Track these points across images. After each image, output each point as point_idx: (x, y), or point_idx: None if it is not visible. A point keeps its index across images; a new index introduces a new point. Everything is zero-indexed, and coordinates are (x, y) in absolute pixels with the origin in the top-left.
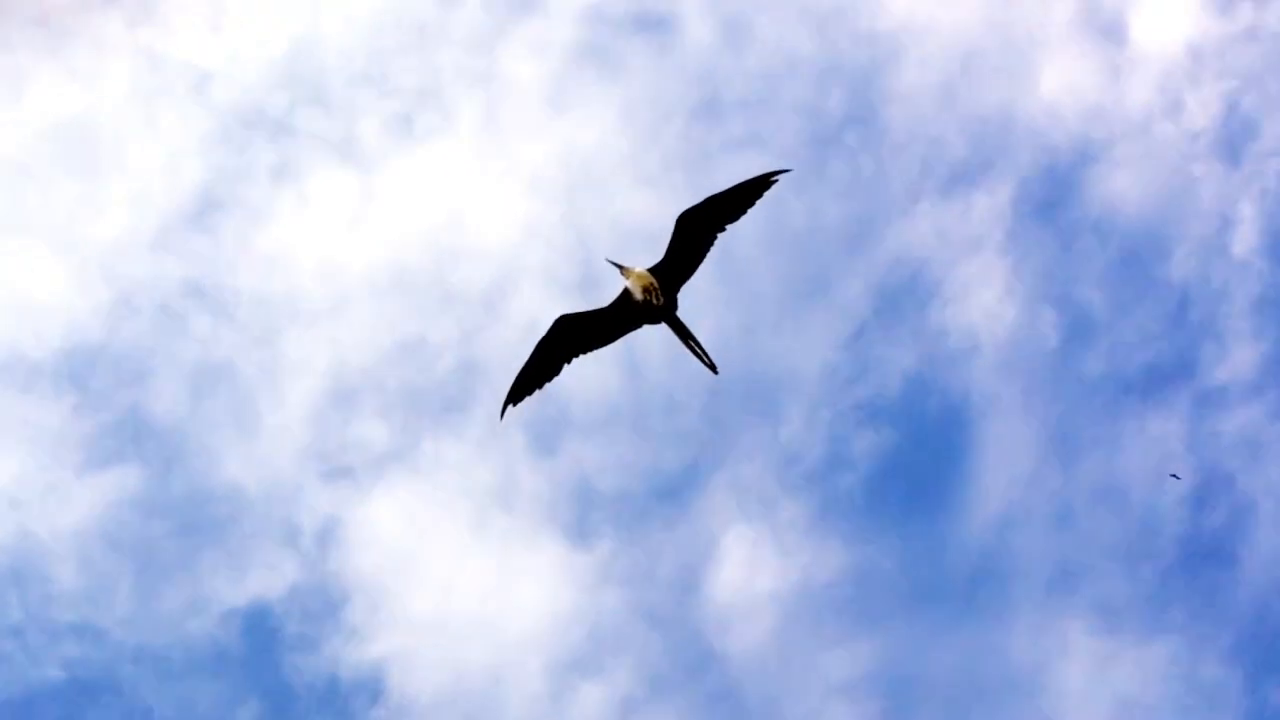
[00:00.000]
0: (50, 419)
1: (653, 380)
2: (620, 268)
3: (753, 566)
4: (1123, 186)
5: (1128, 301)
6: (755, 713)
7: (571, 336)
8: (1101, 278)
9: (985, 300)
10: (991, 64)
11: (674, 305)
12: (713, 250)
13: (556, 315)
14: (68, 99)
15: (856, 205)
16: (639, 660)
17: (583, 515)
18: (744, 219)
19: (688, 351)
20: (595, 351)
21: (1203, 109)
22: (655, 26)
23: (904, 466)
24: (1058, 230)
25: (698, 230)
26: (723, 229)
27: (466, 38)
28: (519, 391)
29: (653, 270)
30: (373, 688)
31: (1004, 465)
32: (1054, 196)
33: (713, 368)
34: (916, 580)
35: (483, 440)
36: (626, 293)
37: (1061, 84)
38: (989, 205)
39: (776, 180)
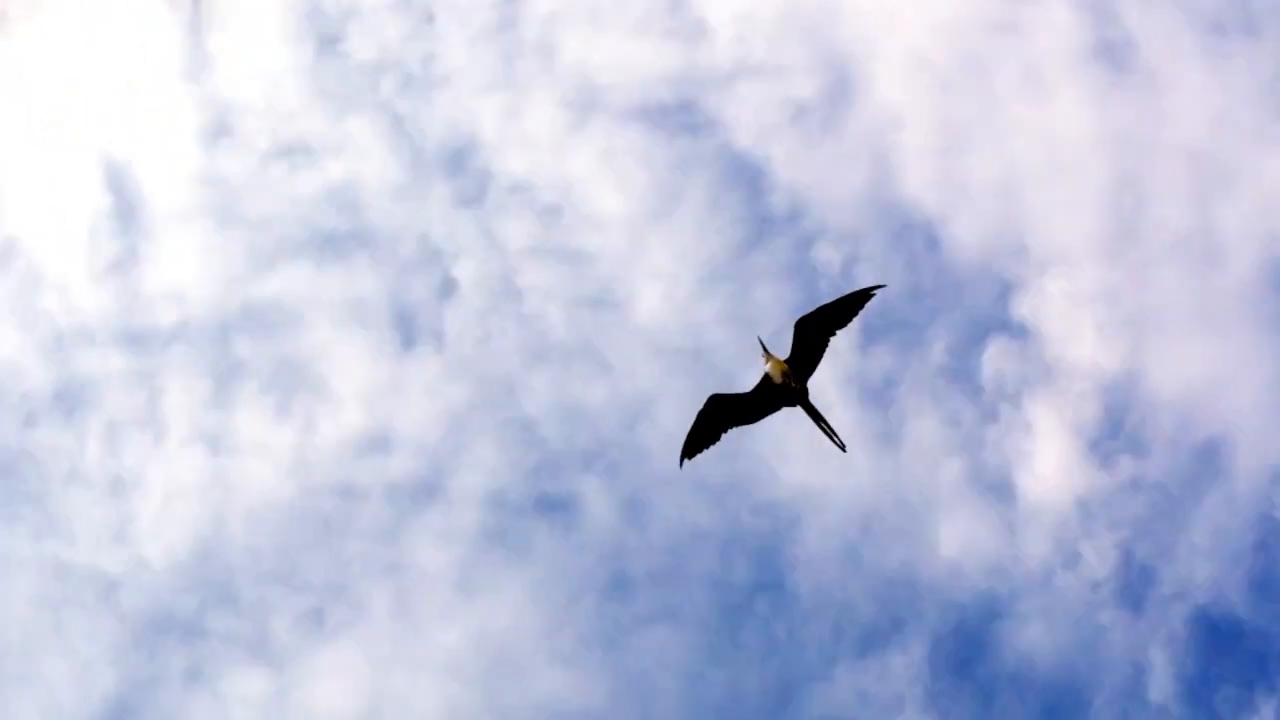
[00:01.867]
0: None
1: None
2: (765, 349)
3: None
4: (1033, 639)
5: None
6: None
7: (723, 412)
8: None
9: None
10: (890, 526)
11: (806, 391)
12: None
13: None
14: None
15: (774, 672)
16: None
17: None
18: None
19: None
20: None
21: (1100, 559)
22: (557, 507)
23: None
24: (976, 686)
25: (813, 333)
26: (834, 333)
27: (372, 529)
28: (691, 450)
29: (786, 361)
30: None
31: None
32: (968, 653)
33: (842, 447)
34: None
35: None
36: (766, 377)
37: (960, 542)
38: (905, 664)
39: (875, 294)
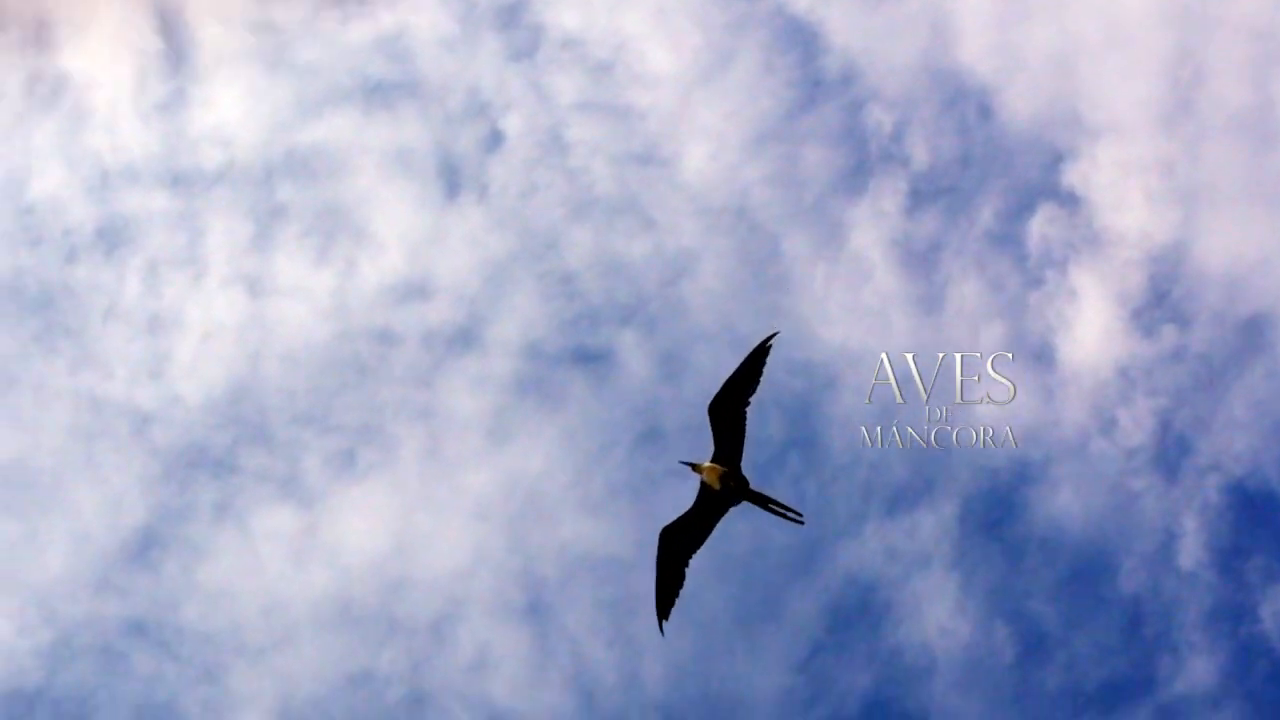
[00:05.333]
0: None
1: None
2: (692, 466)
3: None
4: (1065, 504)
5: (1080, 616)
6: None
7: (678, 543)
8: (1052, 593)
9: (938, 617)
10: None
11: (747, 482)
12: None
13: (659, 531)
14: (8, 442)
15: (803, 529)
16: None
17: None
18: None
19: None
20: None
21: (1136, 426)
22: (593, 360)
23: None
24: (1005, 547)
25: (728, 413)
26: (748, 403)
27: (406, 374)
28: (663, 607)
29: (717, 460)
30: None
31: None
32: (998, 515)
33: (799, 519)
34: None
35: None
36: (705, 486)
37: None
38: (935, 524)
39: (771, 345)
